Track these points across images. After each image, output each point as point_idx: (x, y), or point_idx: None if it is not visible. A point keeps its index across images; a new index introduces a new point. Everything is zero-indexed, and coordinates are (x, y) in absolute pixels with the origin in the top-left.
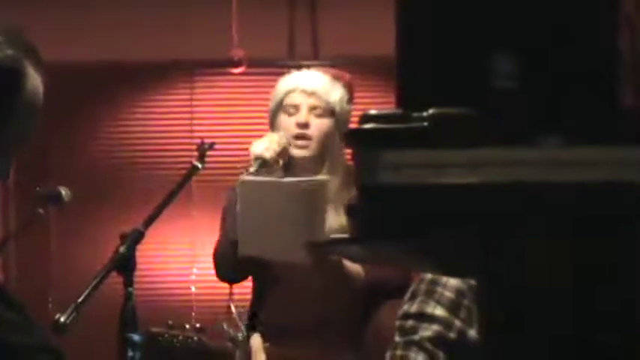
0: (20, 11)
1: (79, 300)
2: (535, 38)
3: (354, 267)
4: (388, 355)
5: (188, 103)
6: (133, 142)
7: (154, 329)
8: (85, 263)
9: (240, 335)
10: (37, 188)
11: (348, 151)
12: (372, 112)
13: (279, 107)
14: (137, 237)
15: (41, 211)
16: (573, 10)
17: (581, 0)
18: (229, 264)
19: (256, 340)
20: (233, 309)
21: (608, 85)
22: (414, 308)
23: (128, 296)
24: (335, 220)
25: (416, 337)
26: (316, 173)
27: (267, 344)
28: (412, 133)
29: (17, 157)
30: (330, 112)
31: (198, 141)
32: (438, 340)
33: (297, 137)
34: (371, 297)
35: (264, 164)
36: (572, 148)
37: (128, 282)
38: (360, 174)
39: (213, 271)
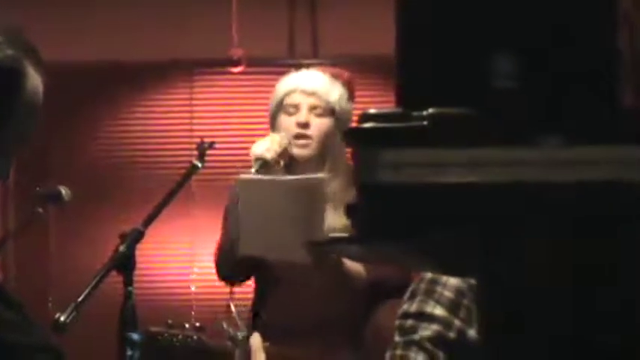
0: (20, 11)
1: (79, 299)
2: (535, 38)
3: (355, 266)
4: (388, 354)
5: (188, 102)
6: (133, 142)
7: (154, 328)
8: (85, 263)
9: (239, 334)
10: (37, 188)
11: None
12: (372, 111)
13: (280, 107)
14: (137, 236)
15: (41, 210)
16: (573, 10)
17: (580, 0)
18: (231, 264)
19: (256, 339)
20: (233, 308)
21: (608, 85)
22: (413, 308)
23: (128, 295)
24: (337, 220)
25: (415, 336)
26: (317, 173)
27: (267, 343)
28: (412, 132)
29: (17, 157)
30: (330, 111)
31: (198, 140)
32: (437, 340)
33: (298, 137)
34: (372, 296)
35: (264, 165)
36: (572, 148)
37: (128, 281)
38: (359, 173)
39: (212, 271)
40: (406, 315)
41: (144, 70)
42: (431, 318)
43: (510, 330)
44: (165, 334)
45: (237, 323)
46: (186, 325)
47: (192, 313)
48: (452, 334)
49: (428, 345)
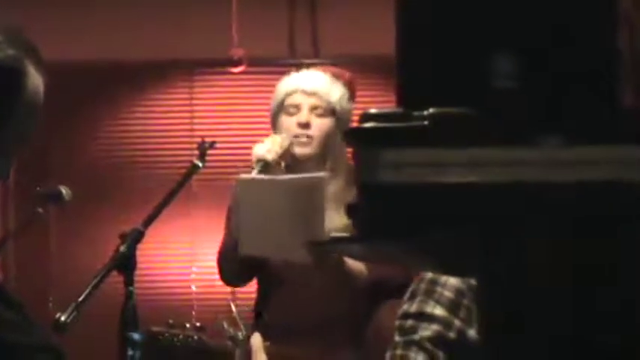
0: (20, 11)
1: (80, 299)
2: (535, 38)
3: (356, 265)
4: (388, 354)
5: (188, 102)
6: (133, 142)
7: (155, 328)
8: (85, 262)
9: (240, 334)
10: (38, 188)
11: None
12: (373, 111)
13: (280, 108)
14: (137, 236)
15: (41, 210)
16: (573, 10)
17: (580, 0)
18: (233, 264)
19: (256, 339)
20: (233, 308)
21: (608, 85)
22: (413, 308)
23: (129, 295)
24: (338, 220)
25: (415, 336)
26: (318, 172)
27: (268, 343)
28: (412, 132)
29: (17, 157)
30: (331, 111)
31: (199, 140)
32: (437, 340)
33: (299, 137)
34: (374, 296)
35: (266, 166)
36: (572, 148)
37: (129, 281)
38: (360, 173)
39: (213, 270)
40: (406, 315)
41: (144, 70)
42: (431, 318)
43: (510, 330)
44: (166, 334)
45: (237, 323)
46: (187, 325)
47: (193, 312)
48: (452, 334)
49: (428, 345)
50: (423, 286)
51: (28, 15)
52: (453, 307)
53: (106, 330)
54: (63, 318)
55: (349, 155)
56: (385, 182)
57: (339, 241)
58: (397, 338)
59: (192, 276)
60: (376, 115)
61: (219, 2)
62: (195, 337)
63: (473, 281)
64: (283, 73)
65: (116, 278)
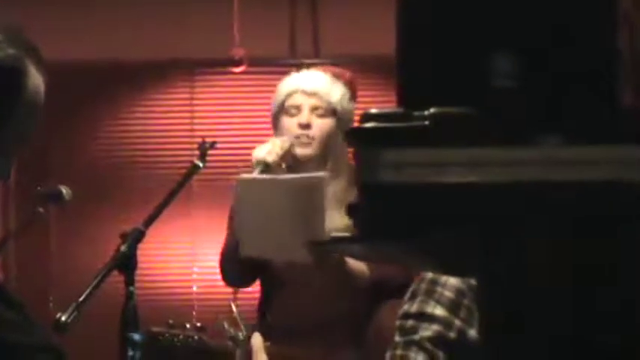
0: (19, 10)
1: (80, 299)
2: (535, 38)
3: (358, 265)
4: (388, 354)
5: (188, 102)
6: (133, 142)
7: (155, 328)
8: (86, 262)
9: (240, 334)
10: (38, 188)
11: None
12: (373, 110)
13: (281, 109)
14: (138, 236)
15: (41, 210)
16: (573, 10)
17: (580, 0)
18: (235, 266)
19: (257, 339)
20: (234, 308)
21: (608, 85)
22: (414, 308)
23: (129, 295)
24: (339, 220)
25: (416, 336)
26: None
27: (268, 343)
28: (413, 132)
29: (17, 157)
30: (331, 111)
31: (199, 140)
32: (437, 340)
33: (300, 137)
34: (375, 296)
35: (266, 168)
36: (572, 148)
37: (129, 281)
38: (360, 173)
39: (214, 270)
40: (407, 315)
41: (144, 70)
42: (431, 318)
43: (510, 330)
44: (167, 334)
45: (238, 323)
46: (187, 325)
47: (194, 312)
48: (452, 334)
49: (428, 345)
50: (423, 286)
51: (28, 14)
52: (453, 307)
53: (107, 330)
54: (63, 318)
55: (350, 155)
56: (386, 182)
57: (339, 241)
58: (397, 338)
59: (194, 276)
60: (377, 115)
61: (219, 2)
62: (196, 338)
63: (473, 281)
64: (284, 73)
65: (117, 278)
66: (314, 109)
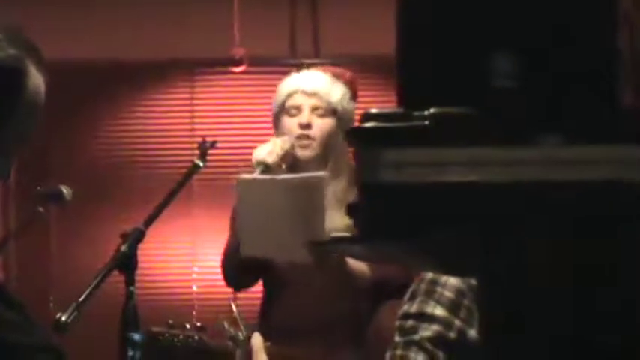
0: (19, 10)
1: (81, 299)
2: (535, 38)
3: (358, 266)
4: (388, 354)
5: (188, 101)
6: (134, 141)
7: (155, 328)
8: (86, 262)
9: (240, 334)
10: (38, 187)
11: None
12: (373, 110)
13: (282, 109)
14: (138, 236)
15: (42, 210)
16: (573, 10)
17: (580, 0)
18: (237, 266)
19: (257, 339)
20: (234, 308)
21: (608, 85)
22: (413, 308)
23: (129, 295)
24: (340, 220)
25: (416, 336)
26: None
27: (268, 343)
28: (413, 131)
29: (18, 157)
30: (332, 111)
31: (199, 140)
32: (437, 340)
33: (300, 138)
34: (376, 296)
35: (266, 169)
36: (572, 148)
37: (129, 281)
38: (361, 173)
39: (214, 270)
40: (406, 315)
41: (144, 70)
42: (431, 318)
43: (510, 330)
44: (166, 334)
45: (238, 323)
46: (187, 325)
47: (194, 312)
48: (452, 334)
49: (428, 345)
50: (423, 286)
51: (28, 14)
52: (453, 307)
53: (107, 330)
54: (64, 318)
55: (351, 155)
56: (386, 182)
57: (339, 241)
58: (397, 338)
59: (194, 276)
60: (377, 114)
61: (220, 1)
62: (196, 337)
63: (473, 281)
64: (284, 73)
65: (117, 278)
66: (314, 109)
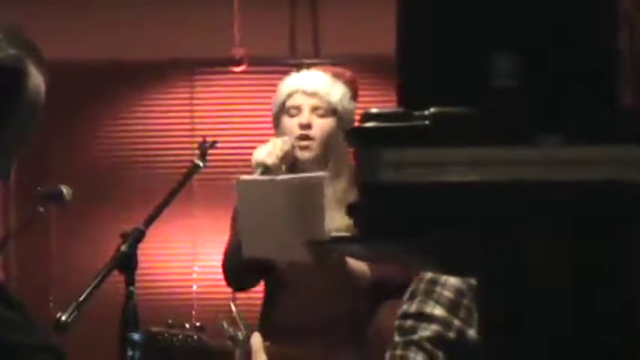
0: (19, 10)
1: (81, 299)
2: (535, 38)
3: (359, 265)
4: (388, 355)
5: (188, 101)
6: (134, 141)
7: (154, 328)
8: (86, 262)
9: (240, 334)
10: (38, 187)
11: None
12: (373, 110)
13: (282, 109)
14: (138, 236)
15: (42, 210)
16: (573, 10)
17: (580, 0)
18: (239, 267)
19: (256, 339)
20: (233, 308)
21: (608, 85)
22: (413, 308)
23: (129, 295)
24: (341, 220)
25: (415, 336)
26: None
27: (268, 343)
28: (413, 131)
29: (18, 157)
30: (332, 111)
31: (199, 140)
32: (437, 340)
33: (301, 138)
34: (376, 295)
35: (266, 170)
36: (572, 148)
37: (129, 281)
38: (361, 172)
39: (214, 270)
40: (406, 315)
41: (144, 70)
42: (430, 318)
43: (510, 330)
44: (166, 334)
45: (237, 323)
46: (187, 325)
47: (194, 312)
48: (451, 334)
49: (427, 345)
50: (422, 286)
51: (28, 14)
52: (452, 307)
53: (107, 330)
54: (64, 318)
55: (351, 155)
56: (386, 182)
57: (339, 241)
58: (397, 338)
59: (194, 276)
60: (377, 114)
61: (219, 2)
62: (195, 337)
63: (473, 281)
64: (284, 73)
65: (117, 278)
66: (314, 109)
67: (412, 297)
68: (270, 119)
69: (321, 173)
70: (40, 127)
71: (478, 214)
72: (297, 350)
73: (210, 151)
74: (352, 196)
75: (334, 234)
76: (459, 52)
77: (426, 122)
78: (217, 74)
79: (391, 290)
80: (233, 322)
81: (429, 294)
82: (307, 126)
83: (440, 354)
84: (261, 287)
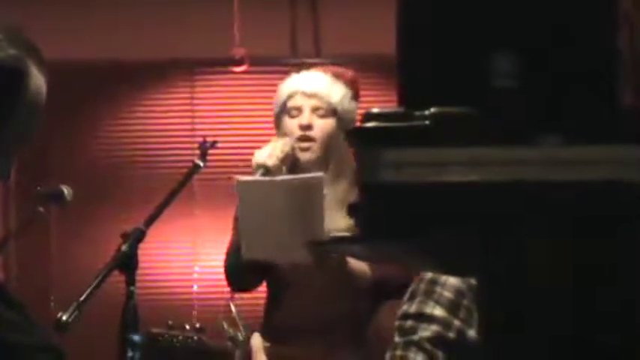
0: (19, 10)
1: (81, 299)
2: (535, 38)
3: (359, 265)
4: (388, 355)
5: (189, 101)
6: (134, 141)
7: (154, 329)
8: (86, 262)
9: (240, 335)
10: (38, 187)
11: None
12: (374, 110)
13: (283, 110)
14: (139, 236)
15: (42, 210)
16: (573, 10)
17: (580, 0)
18: (241, 267)
19: (256, 339)
20: (233, 308)
21: (608, 85)
22: (413, 308)
23: (130, 295)
24: (342, 221)
25: (415, 337)
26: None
27: (268, 344)
28: (414, 131)
29: (18, 157)
30: (332, 112)
31: (200, 140)
32: (437, 340)
33: (301, 139)
34: (377, 296)
35: (266, 172)
36: (572, 148)
37: (130, 281)
38: (361, 172)
39: (215, 270)
40: (406, 316)
41: (144, 70)
42: (430, 318)
43: (510, 330)
44: (166, 335)
45: (237, 324)
46: (187, 326)
47: (194, 313)
48: (451, 335)
49: (427, 345)
50: (422, 286)
51: (28, 14)
52: (452, 307)
53: (107, 330)
54: (64, 318)
55: (352, 155)
56: (386, 182)
57: (339, 241)
58: (397, 339)
59: (195, 276)
60: (377, 114)
61: (220, 1)
62: (195, 338)
63: (473, 281)
64: (285, 73)
65: (117, 278)
66: (315, 109)
67: (412, 297)
68: (270, 119)
69: (320, 173)
70: (40, 127)
71: (478, 214)
72: (297, 350)
73: (210, 151)
74: (353, 197)
75: (335, 234)
76: (459, 52)
77: (427, 122)
78: (217, 74)
79: (391, 290)
80: (233, 322)
81: (429, 294)
82: (308, 127)
83: (440, 354)
84: (261, 288)
